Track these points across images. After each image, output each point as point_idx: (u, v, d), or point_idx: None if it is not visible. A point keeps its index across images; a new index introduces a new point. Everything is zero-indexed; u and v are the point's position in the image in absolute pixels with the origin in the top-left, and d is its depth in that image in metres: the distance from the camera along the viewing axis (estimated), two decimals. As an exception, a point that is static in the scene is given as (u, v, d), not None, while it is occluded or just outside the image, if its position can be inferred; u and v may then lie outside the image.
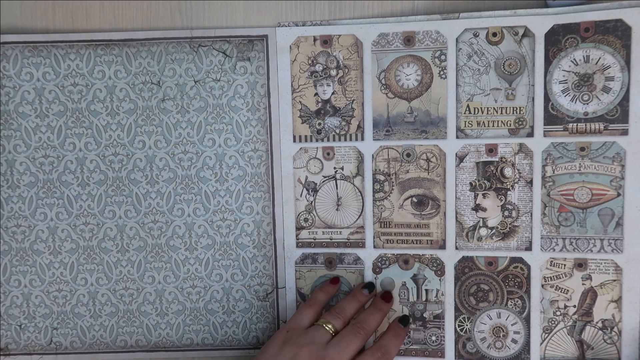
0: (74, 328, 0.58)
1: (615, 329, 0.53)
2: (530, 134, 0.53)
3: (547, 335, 0.54)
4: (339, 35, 0.54)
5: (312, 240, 0.56)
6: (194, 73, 0.55)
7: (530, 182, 0.53)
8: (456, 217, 0.54)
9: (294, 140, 0.56)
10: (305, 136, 0.55)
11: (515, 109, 0.53)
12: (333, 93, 0.55)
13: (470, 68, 0.53)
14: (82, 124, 0.56)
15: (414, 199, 0.55)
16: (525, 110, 0.53)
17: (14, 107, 0.56)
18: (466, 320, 0.55)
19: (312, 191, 0.56)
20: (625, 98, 0.51)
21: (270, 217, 0.56)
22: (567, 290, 0.53)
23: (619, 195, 0.52)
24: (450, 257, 0.55)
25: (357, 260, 0.56)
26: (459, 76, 0.53)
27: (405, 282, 0.55)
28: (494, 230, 0.54)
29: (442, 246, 0.55)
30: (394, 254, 0.55)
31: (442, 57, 0.53)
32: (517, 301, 0.54)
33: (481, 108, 0.53)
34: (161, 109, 0.56)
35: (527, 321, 0.54)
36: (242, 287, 0.57)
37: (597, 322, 0.53)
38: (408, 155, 0.55)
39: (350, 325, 0.52)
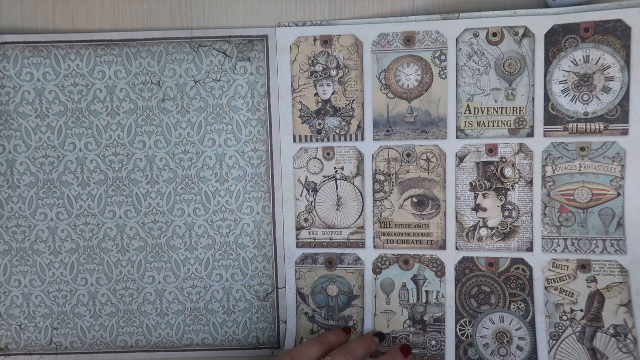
0: (74, 328, 0.58)
1: (630, 335, 0.51)
2: (530, 134, 0.53)
3: (555, 341, 0.52)
4: (339, 35, 0.54)
5: (312, 240, 0.56)
6: (194, 73, 0.55)
7: (530, 182, 0.53)
8: (456, 217, 0.54)
9: (294, 140, 0.56)
10: (305, 136, 0.55)
11: (515, 109, 0.53)
12: (333, 93, 0.55)
13: (470, 68, 0.53)
14: (82, 124, 0.56)
15: (414, 199, 0.55)
16: (525, 110, 0.53)
17: (14, 107, 0.56)
18: (467, 324, 0.54)
19: (312, 191, 0.56)
20: (625, 98, 0.51)
21: (270, 217, 0.56)
22: (572, 293, 0.52)
23: (619, 195, 0.52)
24: (450, 258, 0.55)
25: (357, 261, 0.56)
26: (459, 76, 0.53)
27: (405, 282, 0.55)
28: (494, 231, 0.54)
29: (442, 246, 0.55)
30: (394, 254, 0.55)
31: (442, 57, 0.53)
32: (520, 304, 0.53)
33: (481, 108, 0.53)
34: (161, 109, 0.56)
35: (532, 326, 0.53)
36: (242, 287, 0.57)
37: (608, 328, 0.52)
38: (408, 155, 0.55)
39: None
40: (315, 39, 0.55)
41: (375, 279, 0.56)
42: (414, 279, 0.55)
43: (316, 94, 0.55)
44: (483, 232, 0.54)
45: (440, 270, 0.55)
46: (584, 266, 0.52)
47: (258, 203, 0.56)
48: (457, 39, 0.53)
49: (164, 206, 0.57)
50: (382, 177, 0.55)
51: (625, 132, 0.51)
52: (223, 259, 0.57)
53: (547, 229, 0.53)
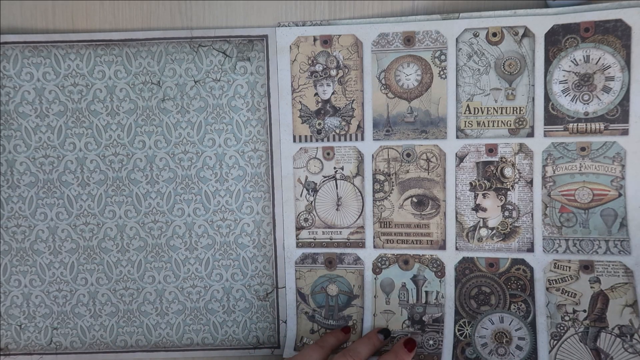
0: (74, 328, 0.58)
1: (636, 336, 0.51)
2: (531, 134, 0.52)
3: (556, 341, 0.52)
4: (339, 35, 0.54)
5: (312, 240, 0.56)
6: (194, 73, 0.55)
7: (530, 183, 0.53)
8: (456, 217, 0.54)
9: (294, 140, 0.56)
10: (305, 136, 0.55)
11: (515, 109, 0.53)
12: (333, 93, 0.55)
13: (470, 68, 0.53)
14: (82, 124, 0.56)
15: (414, 199, 0.55)
16: (525, 110, 0.52)
17: (14, 107, 0.56)
18: (467, 324, 0.54)
19: (312, 191, 0.56)
20: (626, 98, 0.51)
21: (270, 217, 0.56)
22: (575, 294, 0.52)
23: (620, 195, 0.51)
24: (450, 258, 0.55)
25: (357, 260, 0.56)
26: (459, 76, 0.53)
27: (405, 283, 0.55)
28: (494, 231, 0.54)
29: (442, 246, 0.55)
30: (394, 254, 0.55)
31: (442, 57, 0.53)
32: (520, 305, 0.53)
33: (481, 108, 0.53)
34: (161, 109, 0.56)
35: (532, 326, 0.53)
36: (242, 287, 0.57)
37: (613, 329, 0.51)
38: (408, 155, 0.54)
39: None
40: (315, 39, 0.55)
41: (375, 279, 0.56)
42: (414, 279, 0.55)
43: (316, 94, 0.55)
44: (483, 232, 0.54)
45: (440, 271, 0.55)
46: (586, 267, 0.52)
47: (258, 203, 0.56)
48: (457, 39, 0.53)
49: (164, 206, 0.57)
50: (382, 177, 0.55)
51: (625, 132, 0.51)
52: (223, 258, 0.57)
53: (548, 230, 0.53)
